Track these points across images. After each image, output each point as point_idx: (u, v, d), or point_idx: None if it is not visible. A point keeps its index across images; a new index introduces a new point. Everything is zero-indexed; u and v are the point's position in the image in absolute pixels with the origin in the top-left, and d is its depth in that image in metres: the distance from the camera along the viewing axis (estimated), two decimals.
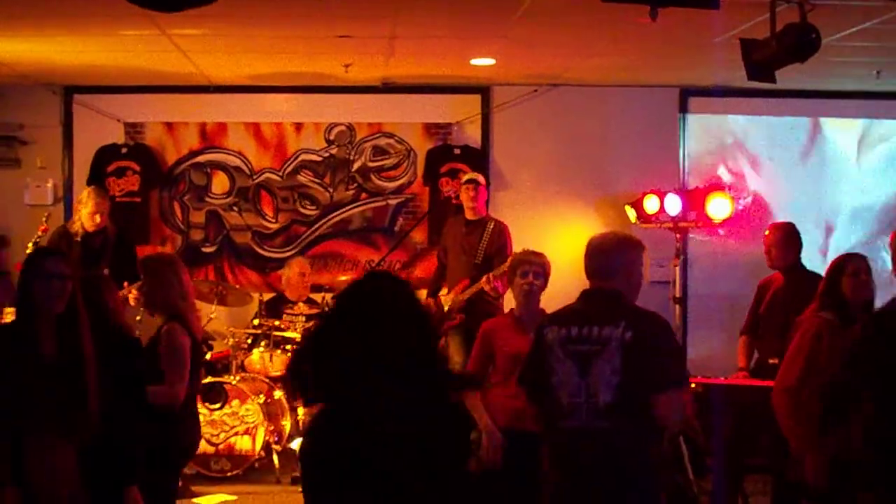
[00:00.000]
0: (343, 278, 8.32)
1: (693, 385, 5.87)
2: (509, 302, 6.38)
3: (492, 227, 7.59)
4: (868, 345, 4.53)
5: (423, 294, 7.81)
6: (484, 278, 7.26)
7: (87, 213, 7.38)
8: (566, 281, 7.40)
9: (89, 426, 3.71)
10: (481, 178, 7.75)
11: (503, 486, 4.90)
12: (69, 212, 8.54)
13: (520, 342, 5.03)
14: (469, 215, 7.69)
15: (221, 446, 7.13)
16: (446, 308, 7.59)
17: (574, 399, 3.78)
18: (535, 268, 5.17)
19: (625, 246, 4.04)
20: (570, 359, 3.82)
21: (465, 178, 7.78)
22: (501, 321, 5.36)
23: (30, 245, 6.82)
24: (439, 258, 8.03)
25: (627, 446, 3.77)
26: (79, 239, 7.36)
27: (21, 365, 3.68)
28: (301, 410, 7.70)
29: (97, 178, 8.52)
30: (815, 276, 6.73)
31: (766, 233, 6.77)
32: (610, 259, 3.98)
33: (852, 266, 5.01)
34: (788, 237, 6.62)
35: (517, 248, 7.46)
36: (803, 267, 6.64)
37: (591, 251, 4.03)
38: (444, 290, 7.79)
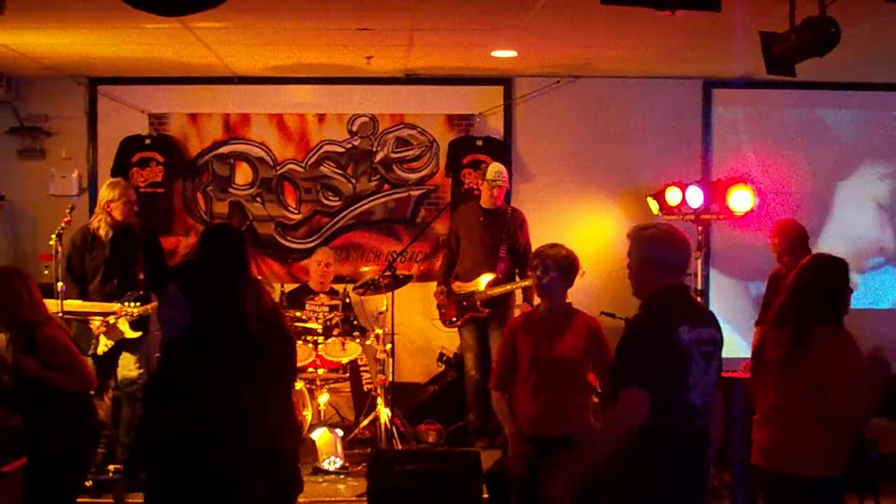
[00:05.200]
0: (365, 269, 8.31)
1: None
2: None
3: (510, 216, 7.57)
4: None
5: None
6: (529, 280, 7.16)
7: (120, 205, 7.09)
8: (589, 272, 7.50)
9: None
10: (505, 176, 7.72)
11: (533, 492, 4.86)
12: (94, 203, 8.58)
13: (539, 342, 4.98)
14: (487, 205, 7.71)
15: None
16: (477, 300, 7.61)
17: (706, 399, 3.84)
18: (546, 261, 4.98)
19: None
20: (701, 360, 3.81)
21: (493, 180, 7.66)
22: (524, 320, 5.19)
23: (53, 236, 6.81)
24: (449, 245, 8.03)
25: None
26: (108, 240, 7.09)
27: None
28: (322, 401, 7.75)
29: (121, 168, 8.59)
30: None
31: (773, 238, 6.73)
32: (689, 254, 4.02)
33: None
34: (795, 240, 6.62)
35: (540, 239, 7.48)
36: None
37: (677, 244, 3.95)
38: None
